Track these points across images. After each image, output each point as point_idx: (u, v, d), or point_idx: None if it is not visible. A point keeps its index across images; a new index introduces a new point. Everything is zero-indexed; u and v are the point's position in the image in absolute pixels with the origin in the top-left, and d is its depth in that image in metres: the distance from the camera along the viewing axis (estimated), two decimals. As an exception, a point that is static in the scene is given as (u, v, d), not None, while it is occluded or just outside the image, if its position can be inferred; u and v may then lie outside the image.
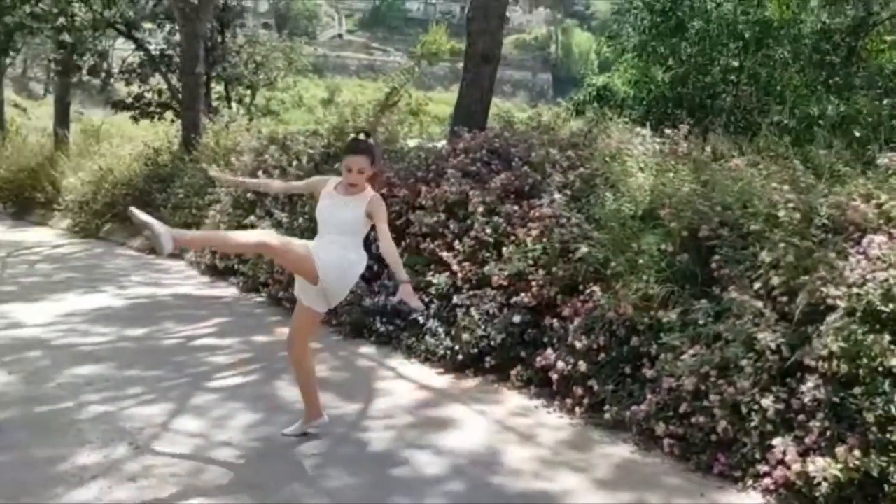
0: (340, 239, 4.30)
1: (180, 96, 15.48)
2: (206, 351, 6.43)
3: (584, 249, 5.41)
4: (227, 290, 8.80)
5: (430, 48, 25.03)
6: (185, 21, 12.85)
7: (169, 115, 18.64)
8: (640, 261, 5.18)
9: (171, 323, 7.27)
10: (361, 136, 4.53)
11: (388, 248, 4.20)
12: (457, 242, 6.24)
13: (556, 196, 5.89)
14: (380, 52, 71.16)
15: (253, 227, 8.81)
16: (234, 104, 18.72)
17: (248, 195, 9.21)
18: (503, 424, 4.92)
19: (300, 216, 8.04)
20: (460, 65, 10.19)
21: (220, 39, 18.77)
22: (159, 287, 8.84)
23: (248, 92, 20.79)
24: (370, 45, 73.53)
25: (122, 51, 20.56)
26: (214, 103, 17.89)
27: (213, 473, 4.14)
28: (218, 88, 19.75)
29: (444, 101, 38.01)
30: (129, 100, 19.61)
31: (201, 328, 7.13)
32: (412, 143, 8.99)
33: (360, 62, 69.29)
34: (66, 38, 17.26)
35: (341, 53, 68.81)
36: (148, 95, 19.55)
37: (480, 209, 6.13)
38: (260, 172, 9.28)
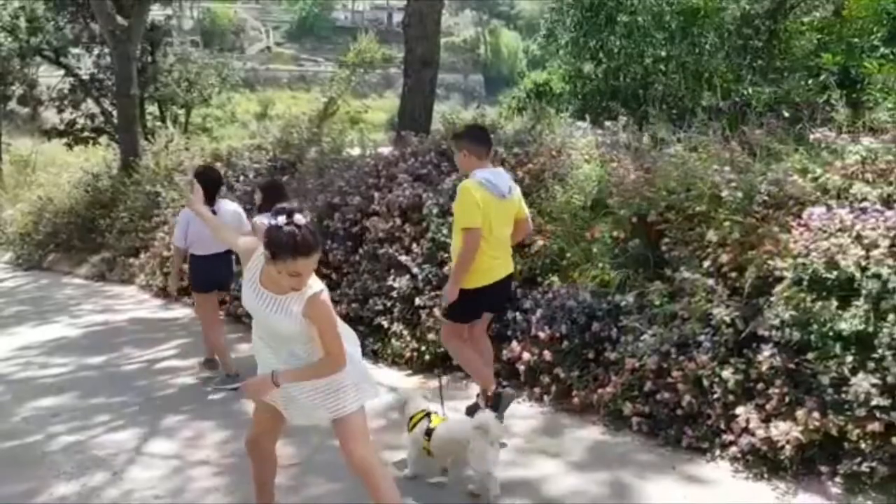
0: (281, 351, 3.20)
1: (115, 120, 15.23)
2: (170, 373, 6.39)
3: (539, 243, 5.56)
4: (182, 311, 8.72)
5: (363, 56, 25.01)
6: (115, 43, 12.65)
7: (104, 139, 18.31)
8: (594, 249, 5.36)
9: (129, 348, 7.20)
10: (305, 229, 3.03)
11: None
12: (414, 245, 6.34)
13: (508, 193, 6.02)
14: (310, 62, 70.65)
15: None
16: (169, 124, 18.45)
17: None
18: (475, 419, 5.01)
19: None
20: (392, 71, 10.29)
21: (150, 59, 18.49)
22: (113, 313, 8.71)
23: (183, 111, 20.52)
24: (299, 56, 72.95)
25: (48, 77, 20.07)
26: (149, 124, 17.62)
27: (195, 492, 4.17)
28: (151, 109, 19.46)
29: (379, 108, 38.07)
30: (62, 126, 19.19)
31: (161, 351, 7.08)
32: (355, 151, 9.05)
33: (291, 74, 68.67)
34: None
35: (271, 66, 68.10)
36: (80, 121, 19.16)
37: (435, 211, 6.23)
38: (206, 191, 9.22)
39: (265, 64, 67.36)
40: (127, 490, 4.19)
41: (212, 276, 5.96)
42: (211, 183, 5.69)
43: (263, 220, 5.54)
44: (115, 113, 15.94)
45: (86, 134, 19.19)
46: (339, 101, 17.90)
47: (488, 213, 4.48)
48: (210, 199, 5.51)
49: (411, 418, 4.16)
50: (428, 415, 4.13)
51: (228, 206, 6.06)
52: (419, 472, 4.17)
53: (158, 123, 18.56)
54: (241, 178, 9.07)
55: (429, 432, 4.04)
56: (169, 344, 7.27)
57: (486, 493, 3.82)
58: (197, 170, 6.19)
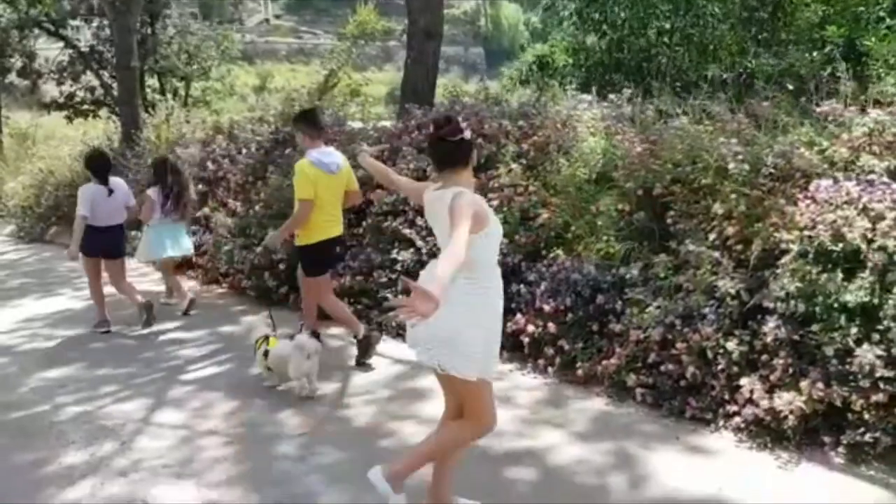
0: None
1: (115, 92, 15.15)
2: (176, 345, 6.42)
3: (544, 216, 5.57)
4: (187, 284, 8.71)
5: (363, 28, 24.80)
6: (115, 15, 12.54)
7: (103, 112, 18.21)
8: (599, 222, 5.37)
9: (134, 320, 7.22)
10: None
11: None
12: (418, 218, 6.33)
13: (513, 166, 6.02)
14: (309, 35, 70.02)
15: (207, 218, 8.78)
16: (169, 96, 18.35)
17: (199, 186, 9.14)
18: (480, 390, 5.05)
19: (255, 205, 8.03)
20: (392, 44, 10.25)
21: (149, 32, 18.34)
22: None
23: (182, 84, 20.39)
24: (298, 28, 72.30)
25: (46, 50, 19.92)
26: (149, 97, 17.52)
27: (204, 462, 4.20)
28: (151, 82, 19.34)
29: (379, 81, 37.74)
30: (62, 99, 19.09)
31: (166, 322, 7.10)
32: (356, 125, 9.01)
33: (290, 46, 68.03)
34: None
35: (270, 39, 67.49)
36: (80, 94, 19.05)
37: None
38: (209, 163, 9.22)
39: (264, 36, 66.77)
40: (136, 459, 4.23)
41: (100, 245, 6.77)
42: (103, 166, 6.85)
43: (150, 191, 7.42)
44: (114, 85, 15.85)
45: (85, 107, 19.08)
46: (339, 74, 17.77)
47: (319, 187, 5.37)
48: (104, 180, 6.72)
49: (256, 341, 5.33)
50: (267, 339, 5.25)
51: (121, 184, 7.02)
52: (275, 382, 5.24)
53: (158, 96, 18.43)
54: (244, 150, 9.04)
55: (266, 353, 5.16)
56: (174, 316, 7.30)
57: (304, 390, 5.00)
58: (89, 154, 7.15)
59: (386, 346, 6.04)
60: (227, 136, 9.60)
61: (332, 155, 5.58)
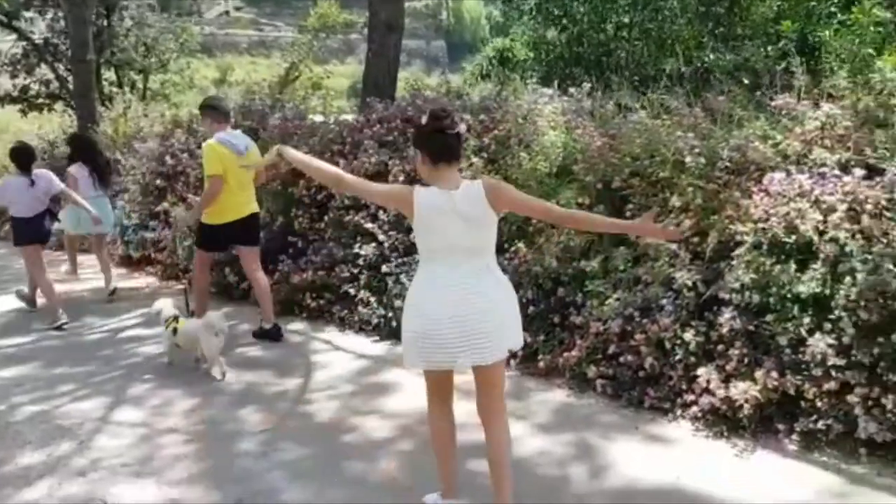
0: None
1: (70, 86, 14.85)
2: (135, 342, 6.35)
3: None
4: (146, 280, 8.65)
5: (324, 21, 24.60)
6: (70, 6, 12.30)
7: (59, 106, 17.86)
8: (560, 215, 5.39)
9: (93, 318, 7.13)
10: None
11: None
12: (381, 212, 6.33)
13: (474, 160, 6.04)
14: (270, 27, 69.40)
15: (166, 213, 8.67)
16: (126, 90, 18.04)
17: (158, 182, 9.01)
18: (443, 383, 5.06)
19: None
20: (354, 37, 10.19)
21: (106, 23, 18.01)
22: (74, 283, 8.58)
23: (140, 77, 20.07)
24: (259, 20, 71.59)
25: (-1, 42, 19.50)
26: (106, 90, 17.22)
27: (164, 460, 4.15)
28: (108, 74, 19.00)
29: (340, 75, 37.50)
30: (15, 93, 18.67)
31: (125, 320, 7.02)
32: (318, 118, 8.95)
33: (251, 39, 67.41)
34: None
35: (230, 31, 66.76)
36: (35, 87, 18.65)
37: (401, 178, 6.22)
38: (167, 157, 9.09)
39: (224, 28, 66.03)
40: (94, 459, 4.17)
41: (29, 234, 7.02)
42: (26, 157, 7.09)
43: (72, 169, 7.83)
44: (70, 79, 15.53)
45: (40, 100, 18.70)
46: (301, 67, 17.61)
47: (227, 165, 5.73)
48: (27, 170, 6.98)
49: (166, 321, 5.53)
50: (176, 318, 5.52)
51: (43, 173, 7.20)
52: (174, 360, 5.60)
53: (115, 89, 18.12)
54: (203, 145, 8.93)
55: (175, 331, 5.44)
56: (133, 313, 7.21)
57: (214, 369, 5.30)
58: (12, 147, 7.36)
59: (349, 340, 6.05)
60: (186, 131, 9.47)
61: (239, 137, 5.99)
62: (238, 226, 6.01)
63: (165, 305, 5.66)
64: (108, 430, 4.57)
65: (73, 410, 4.89)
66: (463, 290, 3.09)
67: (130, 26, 19.37)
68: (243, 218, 6.02)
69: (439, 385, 3.39)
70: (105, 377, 5.50)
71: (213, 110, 6.08)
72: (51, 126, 15.64)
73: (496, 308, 3.14)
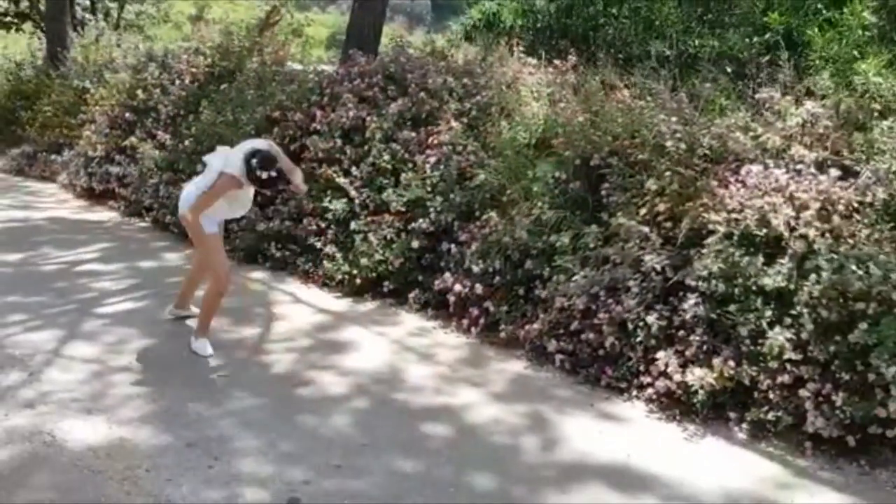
0: None
1: (42, 6, 14.35)
2: (91, 277, 6.23)
3: (481, 177, 5.56)
4: (107, 215, 8.47)
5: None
6: (46, -77, 11.84)
7: (27, 26, 17.26)
8: (535, 188, 5.38)
9: (49, 248, 6.97)
10: None
11: None
12: (354, 168, 6.25)
13: (454, 124, 5.98)
14: (253, -33, 67.80)
15: (134, 148, 8.47)
16: (100, 16, 17.48)
17: (127, 115, 8.80)
18: (402, 345, 5.07)
19: (185, 139, 7.77)
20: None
21: (82, -56, 17.40)
22: (32, 210, 8.39)
23: (115, 4, 19.46)
24: (242, -41, 69.86)
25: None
26: (79, 15, 16.65)
27: (115, 398, 4.09)
28: (81, -1, 18.38)
29: (321, 23, 36.74)
30: (-18, 10, 18.00)
31: (82, 253, 6.87)
32: (296, 66, 8.78)
33: (232, -23, 65.80)
34: None
35: (211, -33, 65.04)
36: (3, 4, 17.98)
37: (378, 135, 6.14)
38: (139, 91, 8.87)
39: (205, -36, 64.30)
40: (44, 392, 4.10)
41: None
42: None
43: None
44: (42, -1, 15.03)
45: (8, 19, 18.02)
46: (282, 11, 17.18)
47: None
48: None
49: None
50: None
51: None
52: None
53: (88, 15, 17.55)
54: (177, 81, 8.72)
55: None
56: (91, 247, 7.06)
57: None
58: None
59: (311, 294, 6.00)
60: (160, 65, 9.22)
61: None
62: None
63: None
64: (60, 364, 4.49)
65: (24, 341, 4.79)
66: None
67: (108, -50, 18.73)
68: None
69: None
70: (58, 310, 5.39)
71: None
72: (18, 47, 15.11)
73: None
